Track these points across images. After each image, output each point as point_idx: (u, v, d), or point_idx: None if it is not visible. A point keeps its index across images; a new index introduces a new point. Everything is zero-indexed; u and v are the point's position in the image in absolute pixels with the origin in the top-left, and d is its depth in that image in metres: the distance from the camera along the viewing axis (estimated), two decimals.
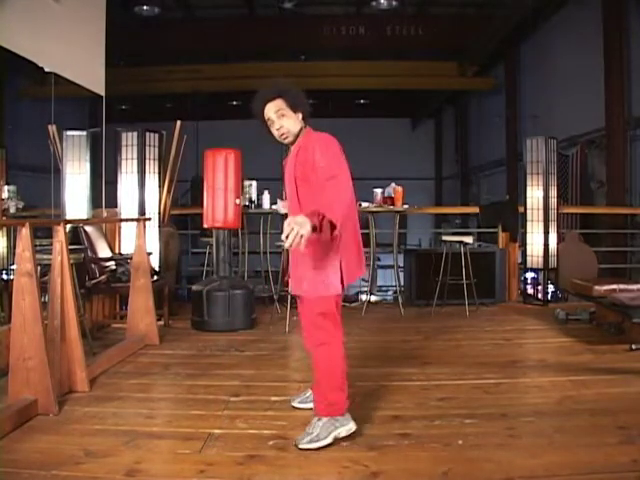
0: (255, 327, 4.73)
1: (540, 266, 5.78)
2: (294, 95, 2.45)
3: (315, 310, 2.42)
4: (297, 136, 2.47)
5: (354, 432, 2.42)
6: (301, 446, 2.32)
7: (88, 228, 4.46)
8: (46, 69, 4.12)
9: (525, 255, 5.93)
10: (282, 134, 2.45)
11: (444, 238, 5.58)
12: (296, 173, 2.42)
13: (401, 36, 10.63)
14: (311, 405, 2.57)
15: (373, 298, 5.91)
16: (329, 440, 2.34)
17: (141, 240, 4.14)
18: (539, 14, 9.28)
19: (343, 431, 2.38)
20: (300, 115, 2.46)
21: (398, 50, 11.74)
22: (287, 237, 2.04)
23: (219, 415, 2.72)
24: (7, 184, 5.48)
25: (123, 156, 5.05)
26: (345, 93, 13.67)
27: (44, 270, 3.54)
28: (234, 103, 13.90)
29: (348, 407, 2.43)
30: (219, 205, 4.65)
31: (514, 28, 9.57)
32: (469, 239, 5.37)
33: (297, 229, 2.03)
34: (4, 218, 5.03)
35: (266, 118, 2.46)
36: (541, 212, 5.74)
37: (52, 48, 4.19)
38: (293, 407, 2.78)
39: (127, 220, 4.95)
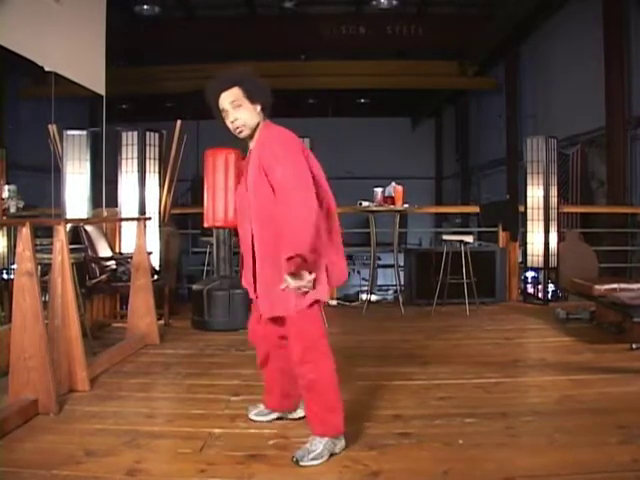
0: None
1: (540, 265, 5.78)
2: (252, 84, 2.23)
3: (304, 326, 2.25)
4: (254, 130, 2.25)
5: (354, 434, 2.42)
6: (303, 463, 2.19)
7: (88, 227, 4.46)
8: (46, 69, 4.12)
9: (525, 254, 5.93)
10: (237, 127, 2.22)
11: (444, 237, 5.58)
12: (258, 175, 2.20)
13: (401, 35, 10.61)
14: (267, 417, 2.60)
15: (373, 297, 5.91)
16: (326, 457, 2.24)
17: (141, 239, 4.13)
18: (539, 14, 9.27)
19: (337, 449, 2.28)
20: (259, 107, 2.23)
21: (398, 49, 11.73)
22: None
23: (219, 414, 2.72)
24: (7, 183, 5.48)
25: (123, 155, 5.06)
26: (345, 92, 13.67)
27: (44, 269, 3.54)
28: None
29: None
30: (219, 204, 4.65)
31: (514, 28, 9.56)
32: (469, 238, 5.37)
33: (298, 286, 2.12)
34: (4, 217, 5.03)
35: (221, 109, 2.23)
36: (541, 211, 5.74)
37: (52, 47, 4.19)
38: (250, 419, 2.62)
39: (127, 219, 4.95)
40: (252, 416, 2.62)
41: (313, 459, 2.19)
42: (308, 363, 2.24)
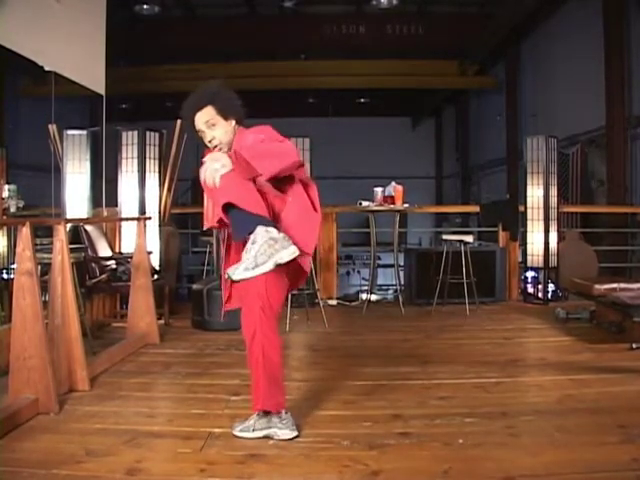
0: None
1: (540, 265, 5.78)
2: (225, 100, 2.29)
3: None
4: (231, 144, 2.29)
5: (354, 434, 2.41)
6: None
7: (88, 227, 4.46)
8: (46, 68, 4.12)
9: (525, 254, 5.93)
10: (215, 146, 2.29)
11: (444, 237, 5.58)
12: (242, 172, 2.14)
13: (401, 35, 10.63)
14: (253, 435, 2.37)
15: (373, 297, 5.91)
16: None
17: (141, 239, 4.13)
18: (539, 13, 9.28)
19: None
20: (233, 122, 2.30)
21: (398, 49, 11.72)
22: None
23: (220, 414, 2.72)
24: (7, 183, 5.48)
25: (123, 155, 5.06)
26: (345, 92, 13.66)
27: (44, 269, 3.54)
28: None
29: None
30: None
31: (514, 27, 9.57)
32: (469, 238, 5.37)
33: (214, 165, 2.06)
34: (4, 217, 5.03)
35: (197, 130, 2.30)
36: (541, 211, 5.74)
37: (52, 47, 4.19)
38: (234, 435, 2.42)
39: (127, 219, 4.95)
40: (237, 432, 2.40)
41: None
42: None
